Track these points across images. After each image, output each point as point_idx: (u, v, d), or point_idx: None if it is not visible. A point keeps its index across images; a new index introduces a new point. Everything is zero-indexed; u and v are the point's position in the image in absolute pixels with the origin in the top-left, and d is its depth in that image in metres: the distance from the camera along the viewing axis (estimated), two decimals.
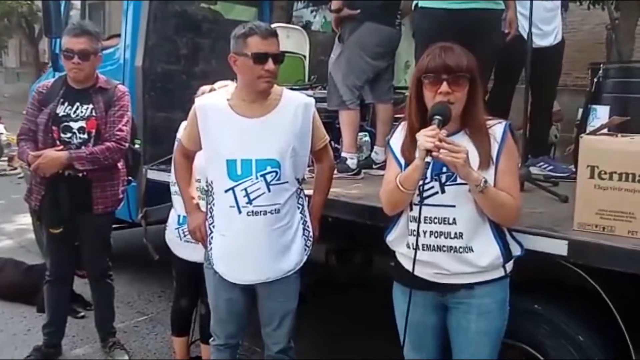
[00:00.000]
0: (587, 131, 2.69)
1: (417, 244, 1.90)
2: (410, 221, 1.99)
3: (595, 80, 3.01)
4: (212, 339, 2.54)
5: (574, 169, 3.04)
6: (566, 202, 2.55)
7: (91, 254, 3.37)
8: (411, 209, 1.98)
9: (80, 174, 3.08)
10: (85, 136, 3.10)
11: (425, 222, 1.92)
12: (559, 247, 2.02)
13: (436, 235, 1.93)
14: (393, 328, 2.14)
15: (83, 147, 3.07)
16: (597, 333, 2.13)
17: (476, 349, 1.98)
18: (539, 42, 3.49)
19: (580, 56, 7.55)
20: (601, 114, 2.90)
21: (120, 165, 3.29)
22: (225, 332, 2.47)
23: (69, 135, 3.08)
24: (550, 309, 2.21)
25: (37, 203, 3.19)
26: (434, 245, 1.94)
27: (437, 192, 1.92)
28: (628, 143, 2.05)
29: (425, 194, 1.91)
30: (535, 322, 2.19)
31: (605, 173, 2.02)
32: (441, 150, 1.75)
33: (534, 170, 3.26)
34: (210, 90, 2.79)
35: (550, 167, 3.55)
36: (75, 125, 3.09)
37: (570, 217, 2.12)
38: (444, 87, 1.84)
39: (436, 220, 1.93)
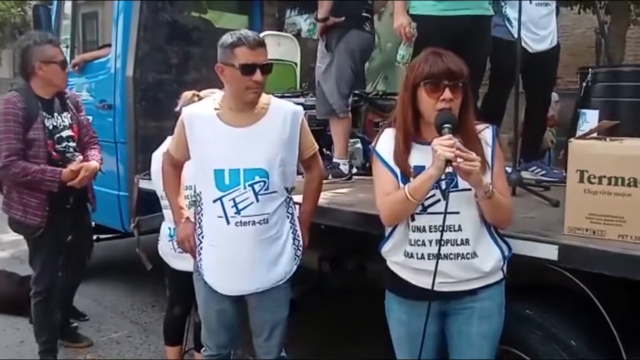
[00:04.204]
0: (577, 135, 2.70)
1: (438, 254, 1.84)
2: (413, 231, 1.94)
3: (584, 84, 3.03)
4: (203, 349, 2.53)
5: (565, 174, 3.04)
6: (557, 207, 2.55)
7: (81, 251, 3.57)
8: (412, 219, 1.94)
9: None
10: (74, 144, 3.23)
11: (430, 231, 1.89)
12: (549, 252, 2.02)
13: (442, 243, 1.88)
14: (387, 335, 2.12)
15: (92, 153, 3.29)
16: (589, 337, 2.13)
17: (476, 352, 1.97)
18: (535, 46, 3.47)
19: (572, 60, 7.55)
20: (590, 118, 2.91)
21: None
22: (216, 343, 2.45)
23: (63, 145, 3.17)
24: (542, 313, 2.20)
25: (42, 220, 3.10)
26: (440, 254, 1.88)
27: (439, 200, 1.89)
28: (617, 147, 2.06)
29: (427, 202, 1.89)
30: (527, 327, 2.18)
31: (595, 177, 2.02)
32: (458, 159, 1.74)
33: (526, 174, 3.26)
34: (193, 96, 2.78)
35: (543, 172, 3.54)
36: (64, 134, 3.19)
37: (561, 221, 2.12)
38: (447, 93, 1.82)
39: (441, 228, 1.86)
